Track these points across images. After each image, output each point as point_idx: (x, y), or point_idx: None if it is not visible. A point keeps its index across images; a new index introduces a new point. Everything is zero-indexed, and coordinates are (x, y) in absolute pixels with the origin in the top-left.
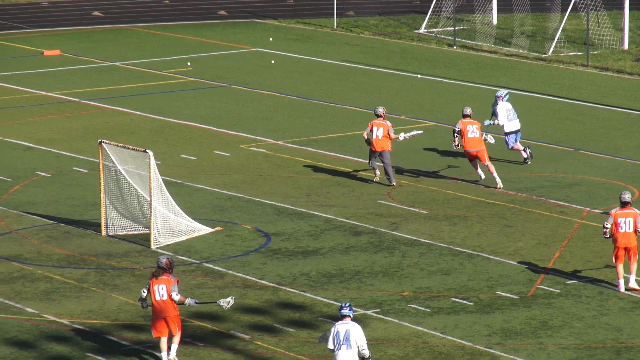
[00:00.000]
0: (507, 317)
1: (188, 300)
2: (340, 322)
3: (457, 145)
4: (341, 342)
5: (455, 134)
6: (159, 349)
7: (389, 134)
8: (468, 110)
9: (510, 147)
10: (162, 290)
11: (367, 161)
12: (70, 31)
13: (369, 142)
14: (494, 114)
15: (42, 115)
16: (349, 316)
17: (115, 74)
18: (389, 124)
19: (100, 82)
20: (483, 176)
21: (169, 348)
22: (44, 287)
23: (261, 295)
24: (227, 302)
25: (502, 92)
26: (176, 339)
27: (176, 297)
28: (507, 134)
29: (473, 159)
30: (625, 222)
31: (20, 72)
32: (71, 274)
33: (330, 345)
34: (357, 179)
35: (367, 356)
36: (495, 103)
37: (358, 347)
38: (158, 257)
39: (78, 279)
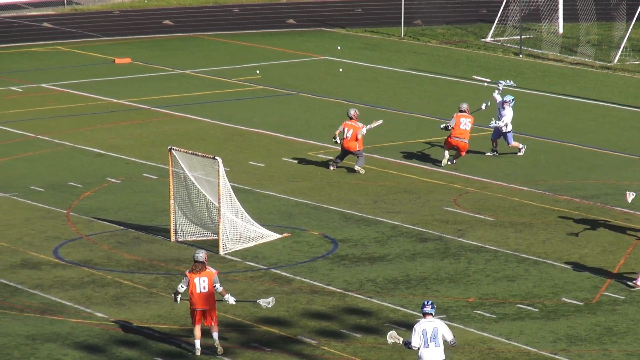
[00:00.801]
0: (572, 324)
1: (227, 296)
2: (424, 320)
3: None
4: (429, 340)
5: (449, 127)
6: (198, 344)
7: (357, 135)
8: (464, 106)
9: (510, 144)
10: (204, 283)
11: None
12: (141, 39)
13: (339, 142)
14: (500, 116)
15: (112, 122)
16: (432, 314)
17: (185, 81)
18: (360, 125)
19: (170, 89)
20: (444, 164)
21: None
22: (114, 292)
23: (328, 301)
24: (267, 302)
25: (509, 97)
26: (215, 328)
27: (220, 287)
28: (507, 132)
29: (451, 147)
30: None
31: (92, 79)
32: (140, 279)
33: (417, 343)
34: (424, 186)
35: (454, 343)
36: (503, 108)
37: (449, 341)
38: (195, 252)
39: (147, 284)
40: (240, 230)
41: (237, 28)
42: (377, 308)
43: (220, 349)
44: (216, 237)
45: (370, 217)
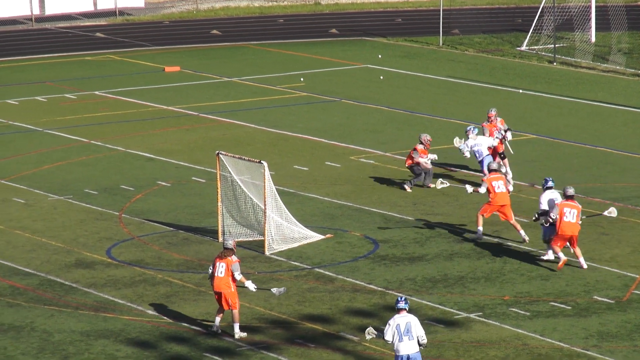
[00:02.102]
0: (603, 321)
1: (248, 283)
2: (398, 315)
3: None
4: (403, 334)
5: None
6: (230, 328)
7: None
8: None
9: (483, 168)
10: (222, 268)
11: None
12: (189, 49)
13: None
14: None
15: (162, 128)
16: (405, 309)
17: (232, 89)
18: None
19: (217, 96)
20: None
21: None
22: (164, 290)
23: (369, 299)
24: (279, 291)
25: (471, 127)
26: (236, 318)
27: (238, 276)
28: (481, 160)
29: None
30: None
31: (143, 87)
32: (190, 278)
33: (390, 338)
34: (462, 188)
35: (425, 344)
36: (467, 137)
37: (418, 337)
38: (225, 239)
39: (196, 283)
40: (285, 231)
41: (281, 37)
42: (416, 306)
43: (238, 336)
44: (262, 238)
45: (410, 218)
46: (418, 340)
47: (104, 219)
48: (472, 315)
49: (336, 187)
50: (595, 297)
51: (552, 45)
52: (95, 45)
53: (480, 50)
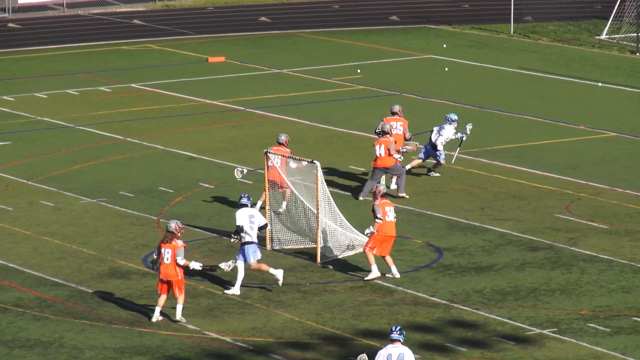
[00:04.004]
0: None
1: (192, 264)
2: (391, 345)
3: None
4: None
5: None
6: (157, 311)
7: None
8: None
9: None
10: (168, 254)
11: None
12: (235, 37)
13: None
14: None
15: (205, 124)
16: (400, 340)
17: (282, 81)
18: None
19: (266, 89)
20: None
21: (166, 307)
22: (206, 303)
23: (432, 313)
24: (227, 265)
25: (455, 116)
26: (180, 300)
27: (181, 261)
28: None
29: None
30: None
31: (184, 79)
32: None
33: None
34: (534, 191)
35: None
36: (449, 123)
37: None
38: (167, 222)
39: (241, 296)
40: (339, 238)
41: (336, 25)
42: (484, 320)
43: (179, 318)
44: (314, 246)
45: (477, 224)
46: None
47: (141, 224)
48: (545, 332)
49: (394, 189)
50: None
51: (635, 34)
52: (132, 33)
53: (555, 39)
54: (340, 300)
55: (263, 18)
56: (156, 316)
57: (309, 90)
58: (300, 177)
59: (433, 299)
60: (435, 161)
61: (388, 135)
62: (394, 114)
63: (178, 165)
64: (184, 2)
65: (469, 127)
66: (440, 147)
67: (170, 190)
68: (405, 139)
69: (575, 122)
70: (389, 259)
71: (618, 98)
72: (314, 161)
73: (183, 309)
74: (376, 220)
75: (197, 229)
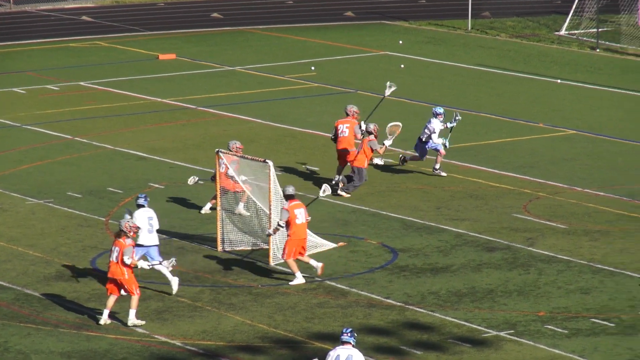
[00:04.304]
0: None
1: (140, 263)
2: (340, 347)
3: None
4: None
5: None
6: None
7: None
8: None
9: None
10: (116, 252)
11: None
12: (187, 34)
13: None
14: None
15: (156, 123)
16: (350, 343)
17: (234, 79)
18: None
19: (218, 87)
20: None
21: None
22: (156, 305)
23: (387, 315)
24: (169, 263)
25: (441, 110)
26: (133, 304)
27: (127, 260)
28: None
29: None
30: None
31: (134, 77)
32: (184, 292)
33: None
34: (492, 191)
35: None
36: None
37: None
38: (120, 220)
39: (192, 298)
40: None
41: (290, 21)
42: (439, 323)
43: (132, 323)
44: (266, 247)
45: (433, 224)
46: None
47: (89, 225)
48: (502, 334)
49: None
50: None
51: (595, 30)
52: (81, 30)
53: (513, 35)
54: (293, 302)
55: (215, 14)
56: (104, 319)
57: (262, 88)
58: (252, 177)
59: (387, 301)
60: (435, 157)
61: (371, 136)
62: (347, 114)
63: (127, 165)
64: None
65: (457, 116)
66: (434, 138)
67: (120, 191)
68: (357, 139)
69: (534, 120)
70: (305, 258)
71: (577, 95)
72: (267, 160)
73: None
74: (278, 225)
75: None
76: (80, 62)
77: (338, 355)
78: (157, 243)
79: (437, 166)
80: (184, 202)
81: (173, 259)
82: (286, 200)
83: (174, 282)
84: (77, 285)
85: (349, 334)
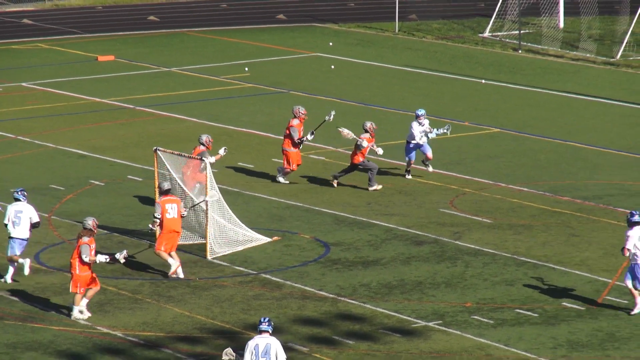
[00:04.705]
0: (573, 329)
1: (99, 257)
2: (259, 336)
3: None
4: (260, 356)
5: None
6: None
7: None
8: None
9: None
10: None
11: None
12: (124, 36)
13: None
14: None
15: (95, 122)
16: (268, 331)
17: (171, 80)
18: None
19: (155, 88)
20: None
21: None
22: (97, 298)
23: (320, 307)
24: (121, 254)
25: (421, 111)
26: (88, 293)
27: (85, 258)
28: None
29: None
30: None
31: (74, 78)
32: (125, 285)
33: (247, 359)
34: (420, 187)
35: None
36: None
37: None
38: (85, 218)
39: (132, 290)
40: (228, 233)
41: (224, 24)
42: (370, 314)
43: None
44: (203, 241)
45: (363, 219)
46: None
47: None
48: (431, 324)
49: (284, 186)
50: (564, 303)
51: (517, 32)
52: (22, 32)
53: (439, 37)
54: (230, 294)
55: (151, 17)
56: (72, 314)
57: (198, 88)
58: (189, 174)
59: (321, 293)
60: (424, 156)
61: (368, 135)
62: (294, 115)
63: (69, 163)
64: (73, 2)
65: (447, 128)
66: (420, 141)
67: (61, 188)
68: (299, 139)
69: (460, 119)
70: (173, 256)
71: (501, 95)
72: (203, 159)
73: (72, 308)
74: (154, 218)
75: None
76: (22, 64)
77: (257, 345)
78: (24, 237)
79: (429, 168)
80: (123, 198)
81: (125, 251)
82: (161, 195)
83: (26, 263)
84: (22, 279)
85: (266, 323)
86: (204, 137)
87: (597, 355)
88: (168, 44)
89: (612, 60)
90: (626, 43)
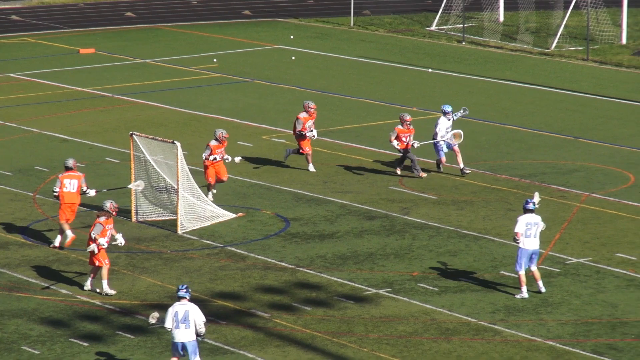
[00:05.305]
0: (509, 296)
1: (100, 240)
2: (178, 303)
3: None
4: (180, 322)
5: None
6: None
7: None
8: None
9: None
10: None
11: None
12: (104, 31)
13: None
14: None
15: (77, 109)
16: (186, 298)
17: (146, 70)
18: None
19: (132, 78)
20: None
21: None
22: (78, 269)
23: (280, 276)
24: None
25: (448, 108)
26: (104, 275)
27: (93, 234)
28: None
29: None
30: None
31: (58, 69)
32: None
33: (169, 325)
34: (371, 167)
35: (203, 333)
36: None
37: (196, 325)
38: (104, 201)
39: (110, 262)
40: (197, 210)
41: (195, 19)
42: (326, 282)
43: (104, 293)
44: (174, 217)
45: (320, 197)
46: (196, 329)
47: (18, 199)
48: (381, 291)
49: (248, 166)
50: (502, 272)
51: (461, 25)
52: (11, 28)
53: (390, 30)
54: (198, 266)
55: (129, 13)
56: (86, 284)
57: (170, 78)
58: (162, 156)
59: (281, 263)
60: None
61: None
62: (305, 110)
63: (52, 146)
64: (57, 0)
65: (463, 110)
66: (439, 139)
67: (46, 169)
68: (299, 132)
69: (409, 104)
70: (65, 225)
71: (446, 82)
72: (175, 142)
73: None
74: (53, 192)
75: None
76: (11, 56)
77: (176, 312)
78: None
79: (462, 166)
80: (102, 178)
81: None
82: (65, 171)
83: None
84: (8, 252)
85: (184, 290)
86: (218, 132)
87: (531, 319)
88: (144, 38)
89: (547, 50)
90: (560, 35)
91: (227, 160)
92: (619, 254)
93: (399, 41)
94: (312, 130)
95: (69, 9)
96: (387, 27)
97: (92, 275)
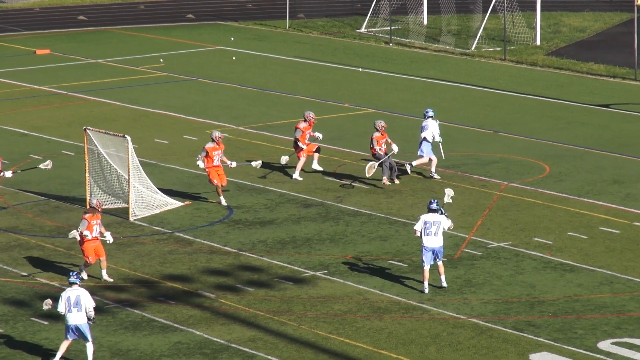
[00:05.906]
0: (436, 277)
1: (73, 232)
2: (70, 288)
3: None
4: (72, 306)
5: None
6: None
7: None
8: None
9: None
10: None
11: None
12: (59, 33)
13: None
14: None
15: (34, 106)
16: (77, 283)
17: (98, 70)
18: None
19: (85, 77)
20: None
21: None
22: (38, 254)
23: (225, 260)
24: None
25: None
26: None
27: (78, 230)
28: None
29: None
30: None
31: (15, 68)
32: (61, 242)
33: (62, 309)
34: (308, 158)
35: (93, 317)
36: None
37: (86, 309)
38: (90, 198)
39: (67, 247)
40: (147, 199)
41: (142, 22)
42: (267, 265)
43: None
44: (126, 206)
45: (260, 186)
46: (86, 312)
47: None
48: (318, 273)
49: (194, 159)
50: None
51: (389, 28)
52: None
53: (323, 32)
54: (149, 250)
55: (81, 17)
56: (103, 276)
57: (120, 77)
58: (114, 149)
59: (225, 248)
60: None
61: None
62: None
63: (12, 140)
64: (15, 4)
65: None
66: (438, 139)
67: (6, 162)
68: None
69: (340, 101)
70: None
71: (375, 81)
72: (125, 135)
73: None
74: None
75: (29, 193)
76: None
77: (69, 297)
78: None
79: (434, 175)
80: (58, 170)
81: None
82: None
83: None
84: None
85: (74, 276)
86: (215, 134)
87: (456, 299)
88: (95, 40)
89: (467, 51)
90: (479, 37)
91: (231, 166)
92: (536, 239)
93: (331, 42)
94: (314, 133)
95: (26, 12)
96: (320, 30)
97: (88, 265)
